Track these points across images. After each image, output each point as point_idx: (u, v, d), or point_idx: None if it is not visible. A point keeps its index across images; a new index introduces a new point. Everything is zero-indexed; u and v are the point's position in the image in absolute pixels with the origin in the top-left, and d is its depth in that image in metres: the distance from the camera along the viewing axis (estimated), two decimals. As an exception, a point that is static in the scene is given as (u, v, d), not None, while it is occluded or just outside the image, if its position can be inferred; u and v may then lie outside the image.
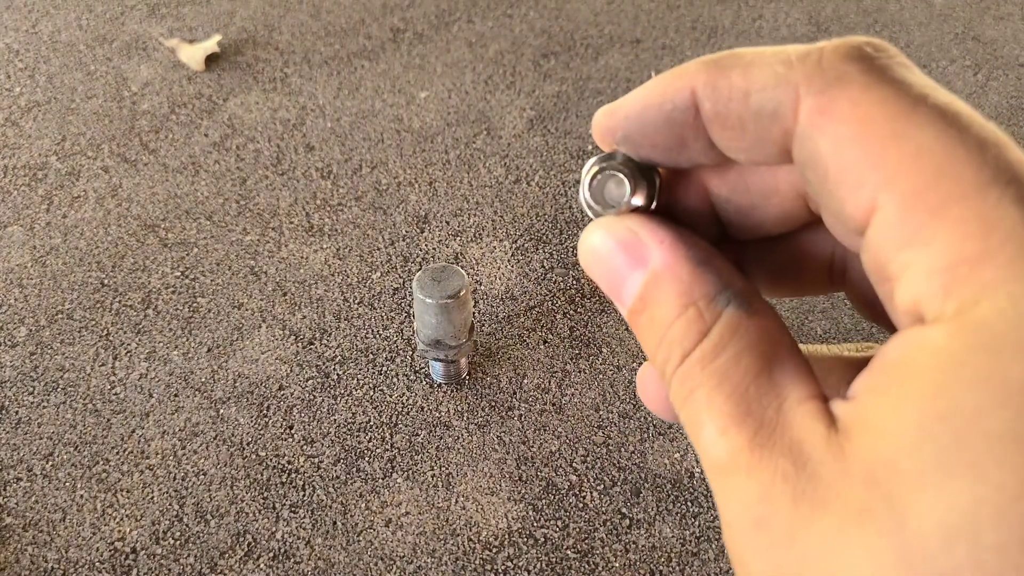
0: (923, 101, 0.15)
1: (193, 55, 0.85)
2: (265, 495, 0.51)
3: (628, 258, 0.20)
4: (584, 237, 0.21)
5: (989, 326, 0.14)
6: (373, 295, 0.62)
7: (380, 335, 0.59)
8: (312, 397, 0.56)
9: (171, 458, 0.52)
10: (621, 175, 0.20)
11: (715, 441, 0.17)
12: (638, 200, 0.20)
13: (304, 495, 0.51)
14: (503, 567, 0.47)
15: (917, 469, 0.14)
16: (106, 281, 0.63)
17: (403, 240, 0.66)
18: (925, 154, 0.15)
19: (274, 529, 0.49)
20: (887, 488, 0.14)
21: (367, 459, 0.52)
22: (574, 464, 0.52)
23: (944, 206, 0.14)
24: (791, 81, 0.17)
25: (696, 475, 0.52)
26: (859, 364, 0.21)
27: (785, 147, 0.18)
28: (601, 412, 0.55)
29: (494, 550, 0.48)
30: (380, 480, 0.51)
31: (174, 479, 0.51)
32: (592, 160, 0.21)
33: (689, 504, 0.50)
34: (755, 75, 0.17)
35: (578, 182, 0.21)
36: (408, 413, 0.55)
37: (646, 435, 0.54)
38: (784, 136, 0.17)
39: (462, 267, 0.64)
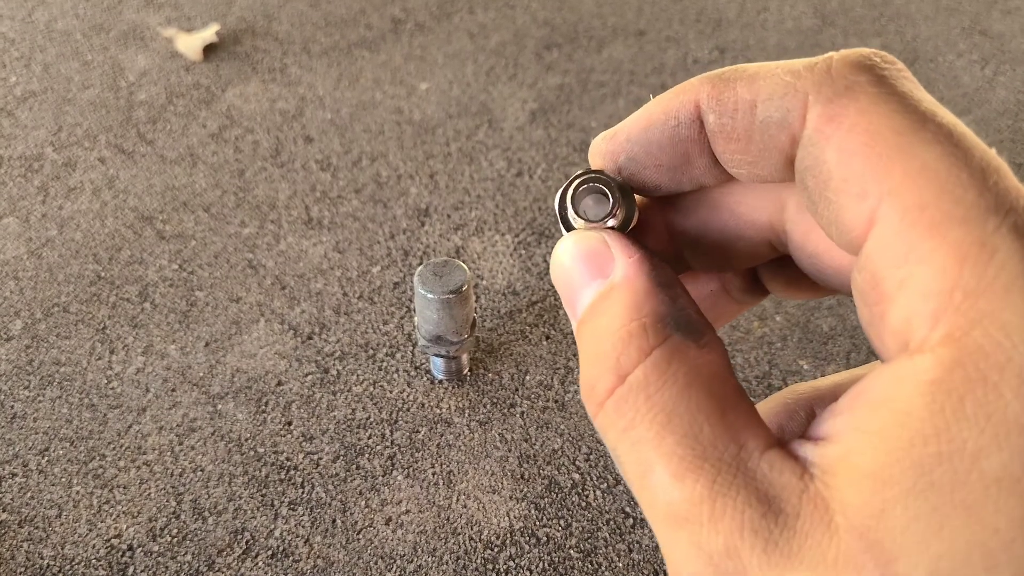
0: (931, 119, 0.15)
1: (191, 45, 0.84)
2: (263, 492, 0.50)
3: (590, 268, 0.19)
4: (556, 247, 0.20)
5: (985, 357, 0.13)
6: (373, 289, 0.61)
7: (380, 330, 0.59)
8: (311, 393, 0.55)
9: (168, 454, 0.52)
10: (605, 189, 0.20)
11: (669, 487, 0.16)
12: (616, 218, 0.20)
13: (303, 492, 0.50)
14: (505, 566, 0.47)
15: (910, 514, 0.13)
16: (102, 274, 0.63)
17: (403, 234, 0.66)
18: (930, 172, 0.14)
19: (272, 527, 0.48)
20: (874, 536, 0.14)
21: (367, 456, 0.52)
22: (577, 462, 0.51)
23: (944, 226, 0.14)
24: (800, 89, 0.16)
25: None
26: (819, 401, 0.21)
27: (790, 157, 0.17)
28: (604, 409, 0.54)
29: (496, 549, 0.47)
30: (380, 478, 0.51)
31: (171, 475, 0.51)
32: (573, 176, 0.21)
33: (693, 503, 0.50)
34: (761, 86, 0.17)
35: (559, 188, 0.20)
36: (408, 410, 0.54)
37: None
38: (791, 144, 0.17)
39: (463, 261, 0.63)
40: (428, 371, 0.56)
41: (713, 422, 0.16)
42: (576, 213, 0.20)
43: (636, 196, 0.21)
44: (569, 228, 0.20)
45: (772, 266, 0.22)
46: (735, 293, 0.23)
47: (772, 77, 0.17)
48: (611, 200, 0.20)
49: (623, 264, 0.18)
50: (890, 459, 0.14)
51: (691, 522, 0.15)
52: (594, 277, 0.19)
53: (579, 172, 0.20)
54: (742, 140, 0.18)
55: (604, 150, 0.20)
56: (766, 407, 0.21)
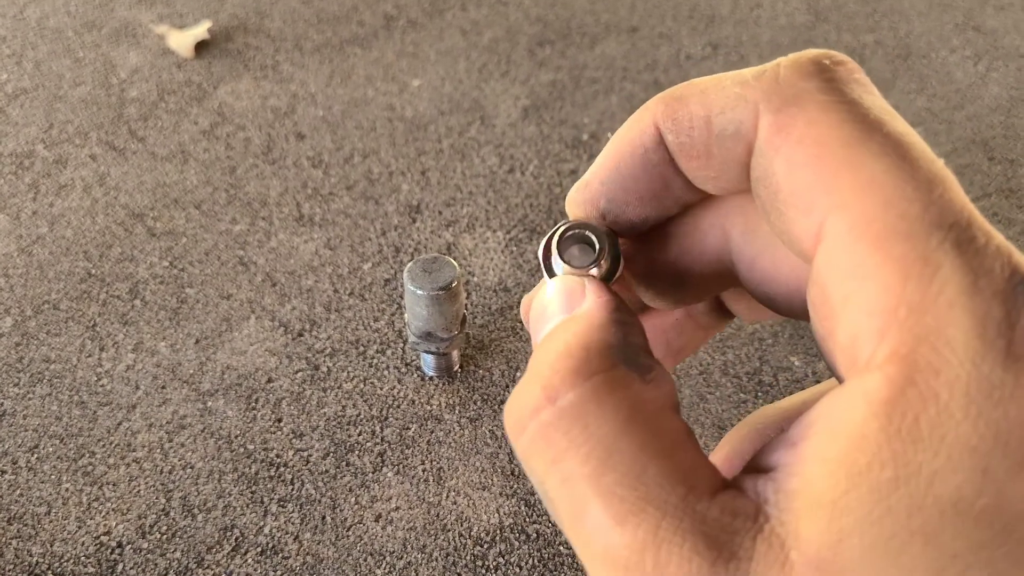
0: (879, 128, 0.15)
1: (183, 42, 0.83)
2: (253, 489, 0.50)
3: (563, 303, 0.19)
4: (540, 290, 0.20)
5: (935, 375, 0.13)
6: (364, 286, 0.61)
7: (371, 327, 0.59)
8: (301, 390, 0.55)
9: (158, 451, 0.52)
10: (593, 238, 0.20)
11: (608, 531, 0.15)
12: (601, 268, 0.20)
13: (293, 489, 0.50)
14: (494, 563, 0.47)
15: (867, 543, 0.13)
16: (93, 271, 0.62)
17: (395, 230, 0.65)
18: (876, 185, 0.14)
19: (262, 524, 0.48)
20: (830, 568, 0.13)
21: (357, 453, 0.52)
22: (567, 458, 0.51)
23: (889, 241, 0.14)
24: (750, 100, 0.16)
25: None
26: (788, 421, 0.20)
27: (749, 167, 0.17)
28: (594, 405, 0.54)
29: (485, 545, 0.47)
30: (370, 474, 0.51)
31: (161, 472, 0.51)
32: (558, 225, 0.20)
33: (683, 499, 0.50)
34: (713, 99, 0.17)
35: (545, 235, 0.20)
36: (399, 406, 0.54)
37: (640, 429, 0.53)
38: (748, 155, 0.17)
39: (454, 258, 0.63)
40: (419, 368, 0.56)
41: (659, 461, 0.15)
42: (562, 260, 0.20)
43: (620, 241, 0.21)
44: (552, 275, 0.20)
45: (733, 291, 0.22)
46: (700, 319, 0.23)
47: (723, 89, 0.17)
48: (597, 248, 0.20)
49: (591, 301, 0.18)
50: (849, 485, 0.13)
51: (632, 572, 0.14)
52: (563, 311, 0.18)
53: (564, 222, 0.20)
54: (702, 156, 0.18)
55: (582, 200, 0.20)
56: (739, 434, 0.21)
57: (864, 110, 0.15)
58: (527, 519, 0.49)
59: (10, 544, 0.47)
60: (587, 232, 0.20)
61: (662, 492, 0.14)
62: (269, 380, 0.55)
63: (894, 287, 0.14)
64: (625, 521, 0.14)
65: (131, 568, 0.46)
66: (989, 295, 0.13)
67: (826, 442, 0.14)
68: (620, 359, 0.16)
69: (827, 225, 0.15)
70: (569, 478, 0.15)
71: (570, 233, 0.20)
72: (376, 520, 0.48)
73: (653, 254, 0.21)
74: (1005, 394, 0.13)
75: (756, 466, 0.15)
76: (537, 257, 0.20)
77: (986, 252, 0.14)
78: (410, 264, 0.50)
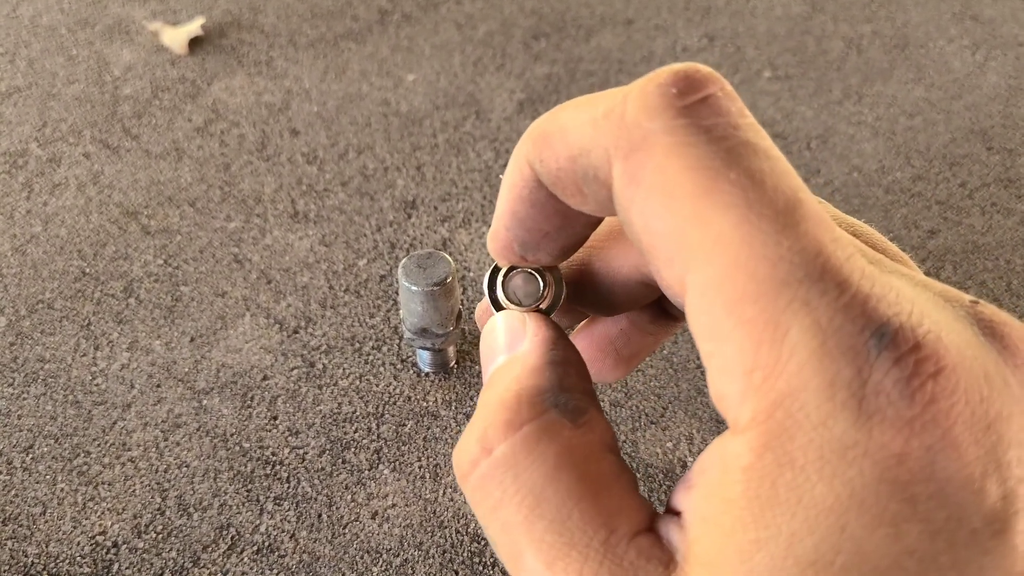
0: (725, 174, 0.14)
1: (176, 38, 0.83)
2: (249, 487, 0.50)
3: (506, 340, 0.19)
4: (488, 320, 0.21)
5: (790, 440, 0.14)
6: (359, 282, 0.61)
7: (366, 323, 0.58)
8: (297, 387, 0.55)
9: (153, 450, 0.51)
10: (537, 276, 0.21)
11: (540, 574, 0.16)
12: (545, 301, 0.21)
13: (288, 487, 0.50)
14: (491, 559, 0.46)
15: None
16: (87, 270, 0.62)
17: (390, 226, 0.65)
18: (724, 243, 0.14)
19: (258, 522, 0.48)
20: None
21: (353, 450, 0.51)
22: (564, 454, 0.51)
23: (740, 304, 0.14)
24: (601, 143, 0.16)
25: (688, 465, 0.51)
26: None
27: None
28: (591, 400, 0.54)
29: (482, 542, 0.47)
30: (366, 472, 0.50)
31: (156, 471, 0.50)
32: (496, 268, 0.21)
33: (680, 494, 0.49)
34: (572, 139, 0.16)
35: (487, 276, 0.22)
36: (395, 403, 0.54)
37: (637, 424, 0.53)
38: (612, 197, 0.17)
39: (450, 253, 0.63)
40: (415, 364, 0.56)
41: (583, 507, 0.16)
42: (507, 296, 0.21)
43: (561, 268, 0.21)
44: (499, 308, 0.21)
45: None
46: (645, 326, 0.23)
47: (580, 128, 0.16)
48: (542, 286, 0.21)
49: (528, 341, 0.19)
50: (720, 547, 0.14)
51: None
52: (506, 350, 0.19)
53: (502, 268, 0.21)
54: (576, 195, 0.17)
55: (498, 249, 0.20)
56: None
57: (712, 151, 0.15)
58: (524, 515, 0.48)
59: (5, 545, 0.47)
60: (529, 270, 0.21)
61: (585, 536, 0.16)
62: (264, 378, 0.55)
63: (748, 352, 0.14)
64: (554, 565, 0.16)
65: (127, 568, 0.46)
66: (838, 355, 0.13)
67: (705, 501, 0.15)
68: (551, 404, 0.17)
69: (687, 280, 0.15)
70: (506, 525, 0.16)
71: (515, 274, 0.21)
72: (372, 517, 0.48)
73: (580, 275, 0.21)
74: (859, 452, 0.13)
75: (671, 506, 0.16)
76: (483, 290, 0.21)
77: (837, 306, 0.14)
78: (404, 260, 0.50)
